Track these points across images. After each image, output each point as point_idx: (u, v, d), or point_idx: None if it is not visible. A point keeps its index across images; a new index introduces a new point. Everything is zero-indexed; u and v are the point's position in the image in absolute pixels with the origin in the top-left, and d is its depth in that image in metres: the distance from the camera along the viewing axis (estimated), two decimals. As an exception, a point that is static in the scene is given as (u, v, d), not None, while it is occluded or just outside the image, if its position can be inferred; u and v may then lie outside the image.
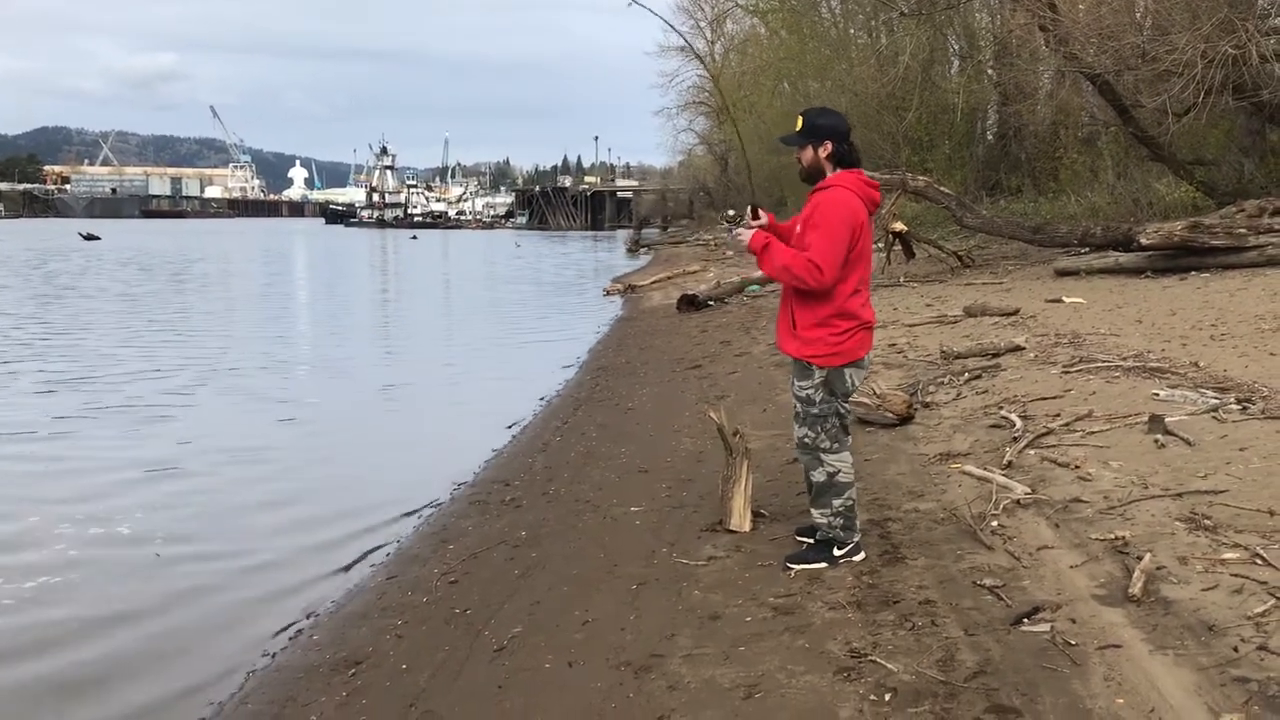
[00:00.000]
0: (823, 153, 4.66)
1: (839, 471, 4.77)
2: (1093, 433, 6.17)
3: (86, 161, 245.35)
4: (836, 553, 4.80)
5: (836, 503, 4.78)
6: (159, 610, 5.67)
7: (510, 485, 7.42)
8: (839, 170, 4.67)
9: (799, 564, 4.81)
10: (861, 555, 4.84)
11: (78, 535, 6.82)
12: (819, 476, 4.79)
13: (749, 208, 4.92)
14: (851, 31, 35.74)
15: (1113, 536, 4.56)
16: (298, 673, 4.63)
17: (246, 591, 5.90)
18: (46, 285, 30.28)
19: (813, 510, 4.88)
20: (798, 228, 4.70)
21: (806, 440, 4.78)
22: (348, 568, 6.19)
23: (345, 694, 4.24)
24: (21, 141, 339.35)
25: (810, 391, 4.70)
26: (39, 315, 21.29)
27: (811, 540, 4.96)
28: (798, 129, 4.70)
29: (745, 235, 4.76)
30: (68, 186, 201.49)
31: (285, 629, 5.31)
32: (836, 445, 4.77)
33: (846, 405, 4.84)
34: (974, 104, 27.67)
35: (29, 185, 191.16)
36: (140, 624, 5.50)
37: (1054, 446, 6.05)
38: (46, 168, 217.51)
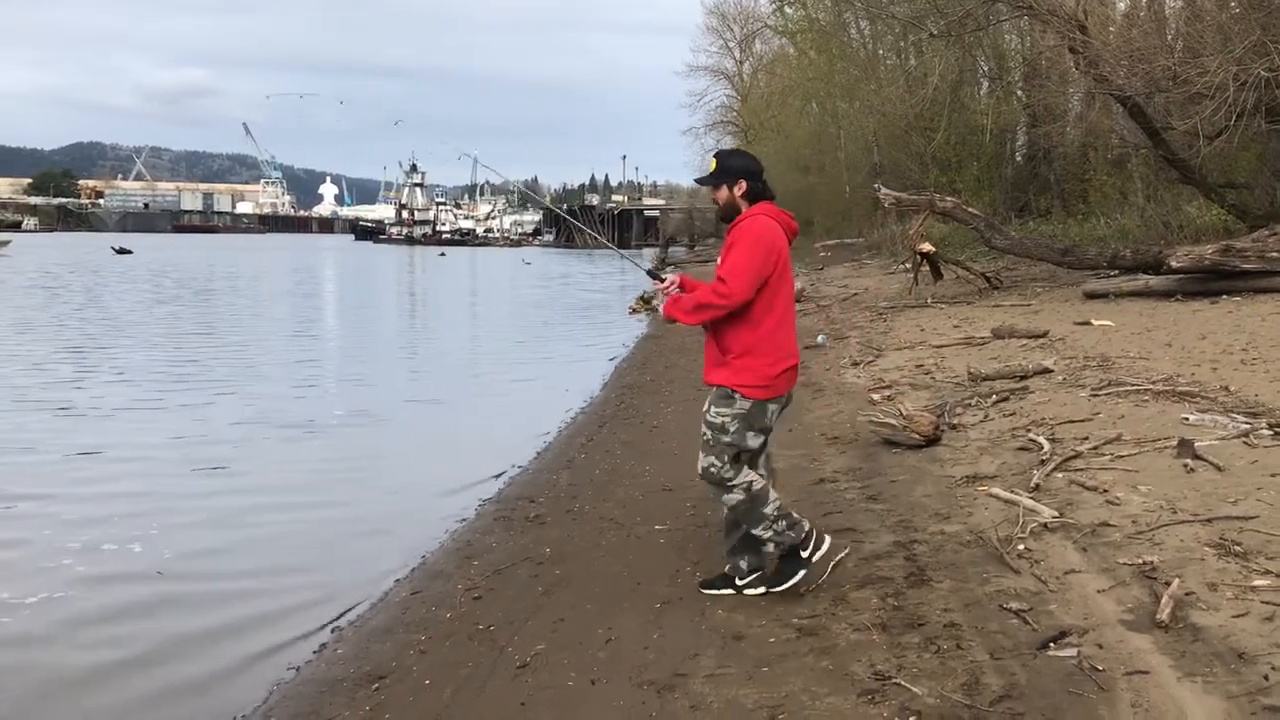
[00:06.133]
0: (738, 191, 4.73)
1: (751, 481, 4.66)
2: (1121, 456, 6.13)
3: (120, 176, 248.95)
4: (804, 554, 4.70)
5: (768, 509, 4.66)
6: (184, 621, 5.70)
7: (535, 502, 7.43)
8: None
9: (775, 586, 4.75)
10: (827, 542, 4.73)
11: (87, 552, 6.82)
12: (735, 498, 4.66)
13: (647, 273, 4.94)
14: (880, 52, 35.77)
15: (1141, 561, 4.52)
16: (322, 686, 4.64)
17: (270, 604, 5.91)
18: (80, 299, 30.66)
19: (754, 532, 4.72)
20: (718, 261, 4.73)
21: (712, 469, 4.66)
22: (372, 582, 6.20)
23: (369, 708, 4.25)
24: (57, 157, 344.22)
25: (726, 419, 4.62)
26: (70, 330, 21.53)
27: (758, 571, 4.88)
28: (711, 170, 4.79)
29: (659, 309, 4.76)
30: (101, 201, 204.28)
31: (309, 642, 5.33)
32: (735, 467, 4.67)
33: (762, 441, 4.78)
34: (1003, 125, 27.63)
35: (64, 199, 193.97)
36: (165, 636, 5.52)
37: (1082, 470, 6.01)
38: (81, 182, 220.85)
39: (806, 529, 4.74)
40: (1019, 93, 27.93)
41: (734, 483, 4.65)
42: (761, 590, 4.79)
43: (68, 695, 4.88)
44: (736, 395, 4.61)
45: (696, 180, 5.05)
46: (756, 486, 4.67)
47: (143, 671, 5.10)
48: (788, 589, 4.74)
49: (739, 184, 4.73)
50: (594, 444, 9.48)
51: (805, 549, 4.72)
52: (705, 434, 4.69)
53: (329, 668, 4.88)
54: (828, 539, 4.78)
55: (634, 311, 5.20)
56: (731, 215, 4.76)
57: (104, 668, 5.15)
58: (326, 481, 8.79)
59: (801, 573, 4.72)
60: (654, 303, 4.88)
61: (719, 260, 4.72)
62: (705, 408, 4.72)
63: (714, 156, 4.89)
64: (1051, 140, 25.17)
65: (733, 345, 4.61)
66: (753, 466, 4.80)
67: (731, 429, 4.63)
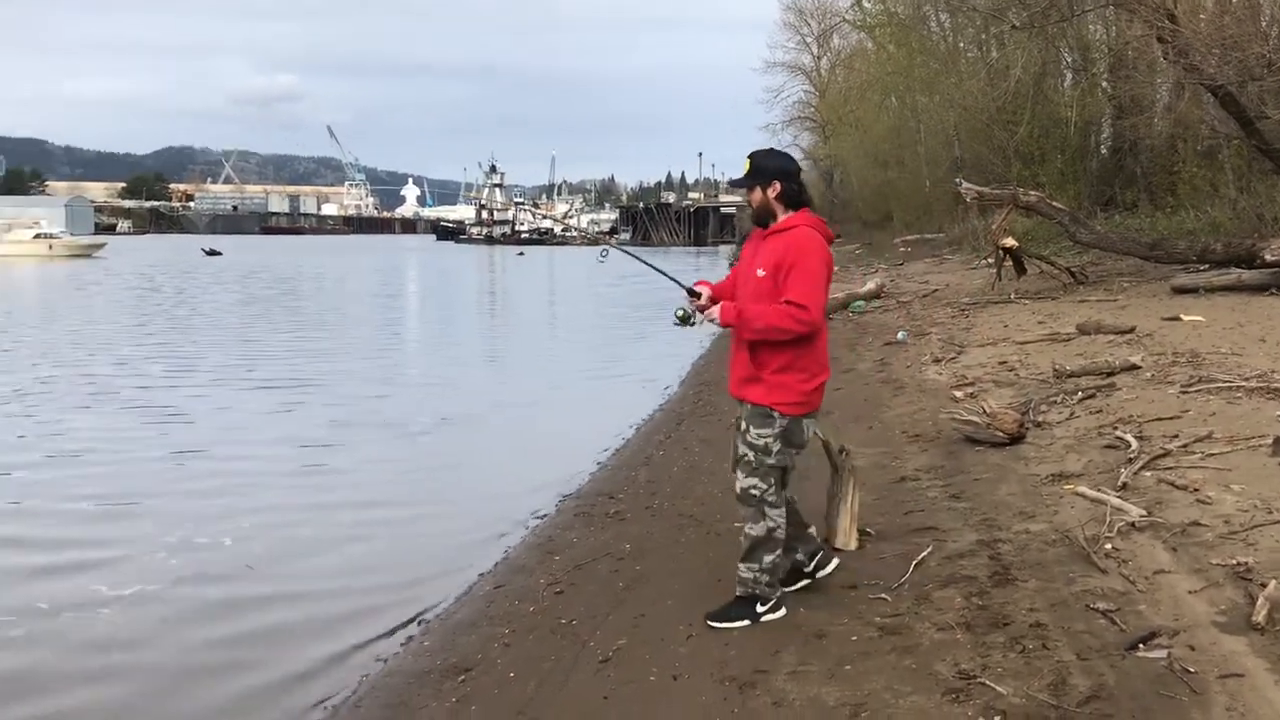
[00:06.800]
0: (771, 193, 4.56)
1: (778, 527, 4.58)
2: (1213, 455, 5.98)
3: (210, 180, 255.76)
4: (760, 609, 4.61)
5: (768, 559, 4.58)
6: (275, 614, 5.86)
7: (614, 498, 7.49)
8: (790, 211, 4.58)
9: (721, 623, 4.63)
10: (783, 611, 4.64)
11: (181, 544, 7.03)
12: (757, 530, 4.55)
13: (684, 293, 4.79)
14: (961, 45, 35.23)
15: (1234, 562, 4.41)
16: (409, 678, 4.75)
17: (359, 598, 6.05)
18: (172, 300, 31.55)
19: (740, 565, 4.65)
20: (760, 271, 4.49)
21: (754, 491, 4.54)
22: (457, 576, 6.31)
23: (455, 700, 4.34)
24: (149, 161, 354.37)
25: (769, 440, 4.50)
26: (163, 331, 22.18)
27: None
28: (745, 171, 4.62)
29: (714, 313, 4.57)
30: (192, 204, 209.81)
31: (397, 635, 5.45)
32: (779, 499, 4.60)
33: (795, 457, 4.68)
34: (1088, 117, 27.02)
35: (156, 202, 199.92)
36: (256, 628, 5.69)
37: (1172, 468, 5.88)
38: (172, 186, 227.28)
39: (779, 594, 4.68)
40: (1104, 84, 27.29)
41: (773, 508, 4.56)
42: (741, 623, 4.62)
43: (169, 682, 5.05)
44: (775, 414, 4.49)
45: (730, 182, 4.89)
46: (779, 533, 4.60)
47: (236, 663, 5.25)
48: (720, 629, 4.59)
49: (773, 185, 4.56)
50: (672, 441, 9.51)
51: (763, 605, 4.63)
52: (746, 455, 4.55)
53: (416, 660, 4.99)
54: (784, 608, 4.66)
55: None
56: (765, 218, 4.61)
57: (199, 658, 5.32)
58: (411, 480, 8.95)
59: (745, 623, 4.59)
60: (692, 321, 4.73)
61: (760, 270, 4.48)
62: (742, 427, 4.58)
63: (748, 157, 4.69)
64: (1138, 132, 24.55)
65: (770, 361, 4.47)
66: (783, 488, 4.73)
67: (775, 449, 4.52)
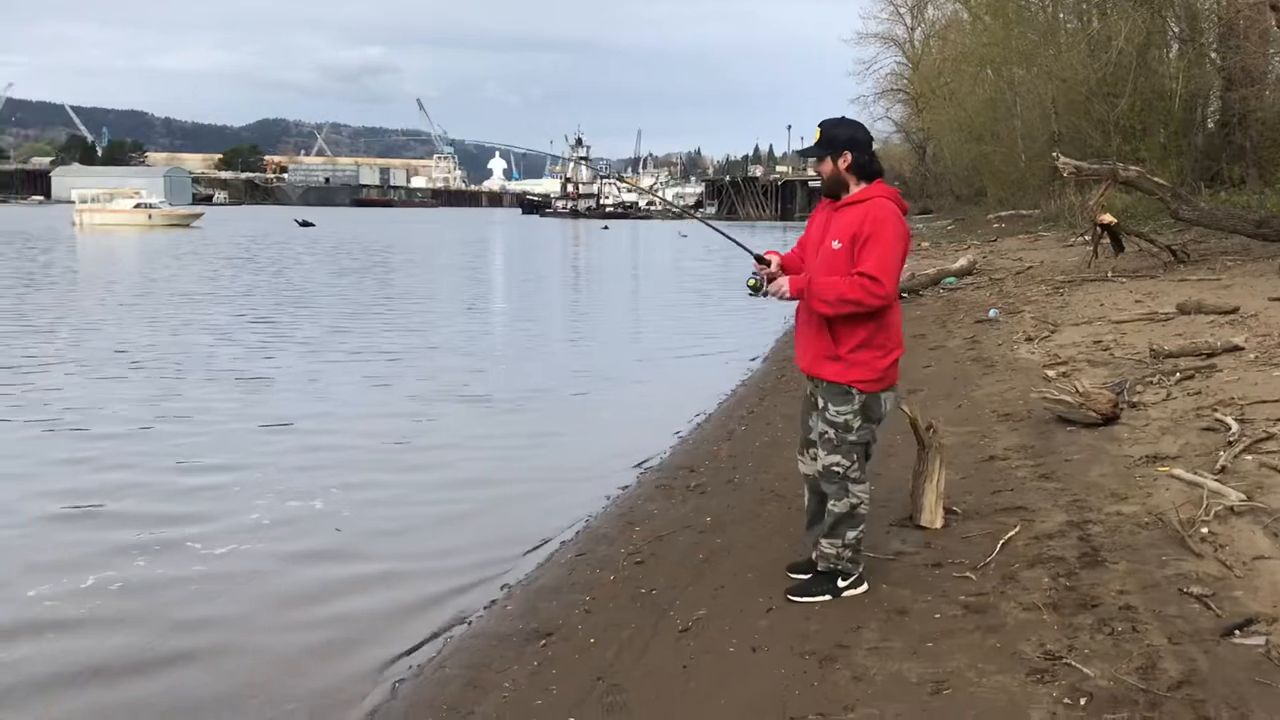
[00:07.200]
0: (842, 164, 4.45)
1: (862, 503, 4.55)
2: (1319, 439, 5.77)
3: (303, 152, 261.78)
4: (841, 584, 4.60)
5: (851, 535, 4.56)
6: (364, 575, 5.99)
7: (695, 471, 7.49)
8: (863, 182, 4.48)
9: (802, 597, 4.62)
10: (864, 587, 4.62)
11: (271, 507, 7.19)
12: (841, 507, 4.53)
13: (754, 260, 4.72)
14: (1060, 16, 34.22)
15: (1339, 550, 4.26)
16: (492, 641, 4.82)
17: (445, 561, 6.15)
18: (267, 271, 32.30)
19: (822, 541, 4.63)
20: (834, 244, 4.40)
21: (837, 469, 4.50)
22: (540, 543, 6.38)
23: (536, 664, 4.40)
24: (244, 133, 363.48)
25: (849, 417, 4.46)
26: (258, 301, 22.70)
27: (808, 575, 4.78)
28: (815, 141, 4.51)
29: (783, 285, 4.51)
30: (285, 175, 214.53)
31: (481, 598, 5.53)
32: (862, 475, 4.56)
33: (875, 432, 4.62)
34: (1194, 90, 26.07)
35: (251, 174, 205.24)
36: (345, 588, 5.82)
37: (1275, 453, 5.69)
38: (267, 158, 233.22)
39: (860, 571, 4.66)
40: (1213, 55, 26.31)
41: (856, 484, 4.53)
42: (819, 598, 4.63)
43: (251, 653, 5.20)
44: (853, 391, 4.45)
45: (800, 153, 4.79)
46: (862, 509, 4.58)
47: (324, 620, 5.38)
48: (801, 603, 4.59)
49: (844, 156, 4.46)
50: (754, 416, 9.48)
51: (845, 580, 4.63)
52: (827, 433, 4.52)
53: (499, 623, 5.07)
54: (865, 584, 4.65)
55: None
56: (837, 189, 4.52)
57: (295, 626, 5.46)
58: (496, 450, 9.02)
59: (826, 598, 4.59)
60: (763, 290, 4.64)
61: (835, 243, 4.40)
62: (820, 405, 4.55)
63: (818, 125, 4.58)
64: (1249, 105, 23.62)
65: (848, 338, 4.42)
66: (866, 461, 4.67)
67: (856, 425, 4.49)
